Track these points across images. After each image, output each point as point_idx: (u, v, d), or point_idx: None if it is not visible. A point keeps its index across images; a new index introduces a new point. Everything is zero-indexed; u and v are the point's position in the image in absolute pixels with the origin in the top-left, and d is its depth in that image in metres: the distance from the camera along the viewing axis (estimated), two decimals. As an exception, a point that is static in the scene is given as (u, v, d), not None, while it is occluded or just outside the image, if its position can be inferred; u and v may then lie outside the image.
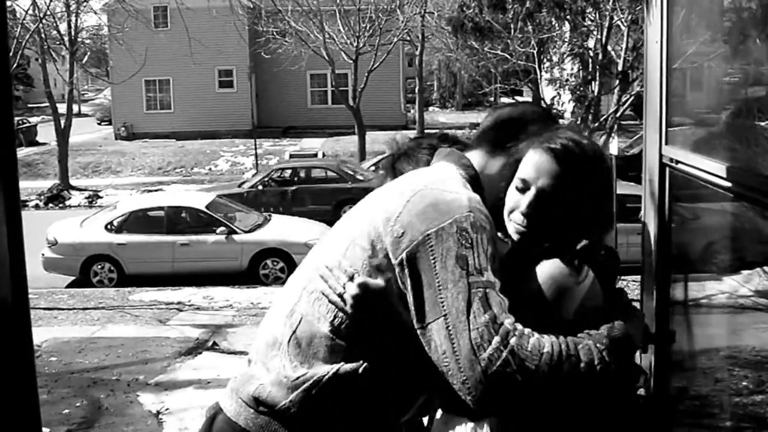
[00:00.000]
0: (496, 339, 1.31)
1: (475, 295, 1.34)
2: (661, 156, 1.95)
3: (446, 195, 1.46)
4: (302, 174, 16.27)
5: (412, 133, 28.10)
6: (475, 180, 1.58)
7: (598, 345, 1.38)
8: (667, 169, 1.93)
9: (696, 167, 1.77)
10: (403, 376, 1.50)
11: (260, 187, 15.53)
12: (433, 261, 1.38)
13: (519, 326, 1.34)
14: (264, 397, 1.53)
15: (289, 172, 16.34)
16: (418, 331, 1.40)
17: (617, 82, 9.40)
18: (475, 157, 1.64)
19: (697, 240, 2.02)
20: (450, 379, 1.34)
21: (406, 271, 1.41)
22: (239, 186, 16.17)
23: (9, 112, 1.07)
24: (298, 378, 1.50)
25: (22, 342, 1.03)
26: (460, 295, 1.35)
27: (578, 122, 9.18)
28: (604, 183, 1.57)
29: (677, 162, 1.88)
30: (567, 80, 10.27)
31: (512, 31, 9.35)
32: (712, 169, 1.69)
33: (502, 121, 1.67)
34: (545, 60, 12.27)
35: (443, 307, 1.36)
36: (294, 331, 1.54)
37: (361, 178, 16.15)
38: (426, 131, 28.23)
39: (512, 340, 1.31)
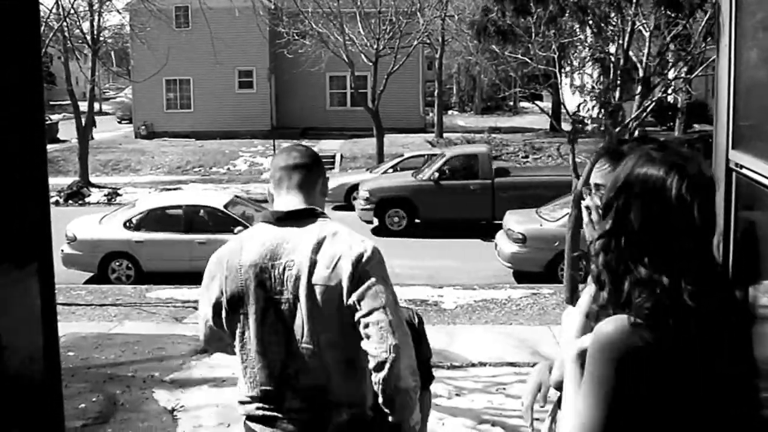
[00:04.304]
0: None
1: None
2: (727, 161, 1.89)
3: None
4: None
5: (430, 137, 28.08)
6: None
7: None
8: (734, 175, 1.85)
9: (761, 173, 1.69)
10: None
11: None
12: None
13: None
14: None
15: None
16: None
17: (639, 88, 9.30)
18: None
19: (761, 247, 1.92)
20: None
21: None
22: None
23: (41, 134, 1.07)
24: None
25: (49, 342, 1.03)
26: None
27: (600, 128, 9.09)
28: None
29: (742, 167, 1.81)
30: (593, 87, 10.15)
31: (533, 35, 9.27)
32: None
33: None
34: (566, 65, 12.15)
35: None
36: None
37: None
38: (444, 134, 28.16)
39: None
